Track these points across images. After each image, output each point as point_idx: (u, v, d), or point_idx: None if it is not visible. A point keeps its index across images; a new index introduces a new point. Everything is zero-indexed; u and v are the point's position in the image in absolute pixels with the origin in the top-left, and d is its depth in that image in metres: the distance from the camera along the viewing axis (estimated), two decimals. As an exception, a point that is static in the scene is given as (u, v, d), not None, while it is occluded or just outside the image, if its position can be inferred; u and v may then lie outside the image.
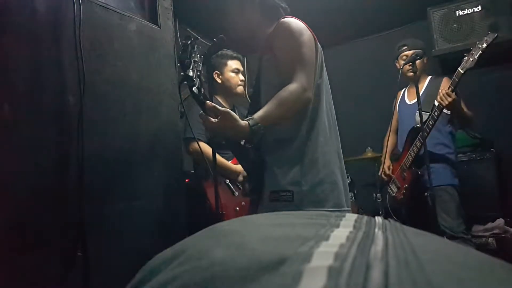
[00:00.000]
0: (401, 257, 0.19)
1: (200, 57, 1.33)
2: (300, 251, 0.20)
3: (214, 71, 2.41)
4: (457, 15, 2.91)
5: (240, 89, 2.48)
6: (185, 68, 1.28)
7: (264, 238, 0.23)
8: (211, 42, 1.94)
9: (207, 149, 2.17)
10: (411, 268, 0.18)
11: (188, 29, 3.50)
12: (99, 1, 1.39)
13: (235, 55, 2.47)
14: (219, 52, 2.41)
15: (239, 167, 2.33)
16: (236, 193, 2.33)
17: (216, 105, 1.25)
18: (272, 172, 1.34)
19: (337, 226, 0.25)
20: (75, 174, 1.21)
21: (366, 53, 3.85)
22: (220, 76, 2.44)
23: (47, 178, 1.16)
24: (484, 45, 1.98)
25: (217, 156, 2.20)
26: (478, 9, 2.85)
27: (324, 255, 0.19)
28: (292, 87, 1.26)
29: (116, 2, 1.49)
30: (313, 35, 1.38)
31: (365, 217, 0.28)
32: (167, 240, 1.49)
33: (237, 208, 2.30)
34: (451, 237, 2.14)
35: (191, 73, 1.27)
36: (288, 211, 1.07)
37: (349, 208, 1.37)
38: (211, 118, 1.24)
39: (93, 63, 1.33)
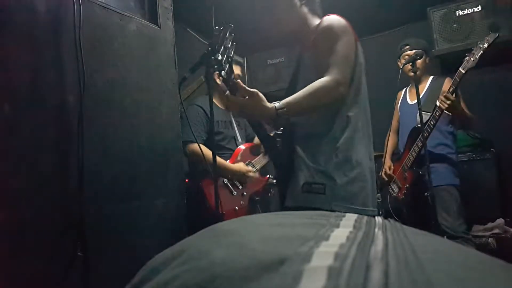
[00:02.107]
0: (401, 257, 0.19)
1: (232, 44, 1.33)
2: (300, 251, 0.20)
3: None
4: (457, 15, 2.91)
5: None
6: (214, 52, 1.30)
7: (264, 238, 0.23)
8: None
9: (205, 150, 2.16)
10: (411, 268, 0.18)
11: (188, 29, 3.50)
12: (99, 1, 1.39)
13: (238, 60, 2.47)
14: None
15: (237, 166, 2.33)
16: (235, 193, 2.32)
17: (246, 87, 1.28)
18: (305, 164, 1.35)
19: (337, 226, 0.25)
20: (75, 174, 1.21)
21: (366, 53, 3.85)
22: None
23: (47, 178, 1.16)
24: (486, 45, 1.98)
25: (214, 157, 2.18)
26: (478, 9, 2.84)
27: (324, 255, 0.19)
28: (326, 79, 1.27)
29: (116, 2, 1.49)
30: (354, 35, 1.39)
31: (365, 217, 0.28)
32: (167, 240, 1.50)
33: (236, 207, 2.30)
34: (452, 237, 2.14)
35: (220, 57, 1.29)
36: (319, 203, 1.12)
37: (375, 209, 1.36)
38: (239, 97, 1.27)
39: (93, 63, 1.32)
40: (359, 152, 1.33)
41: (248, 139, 2.63)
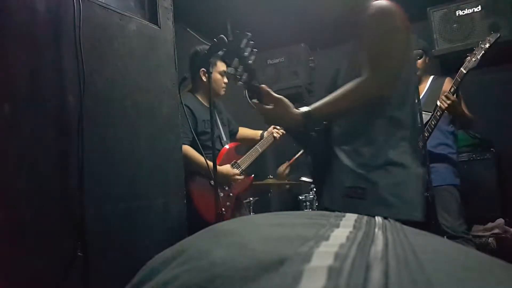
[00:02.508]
0: (401, 257, 0.19)
1: (252, 51, 1.29)
2: (300, 251, 0.20)
3: (201, 68, 2.34)
4: (457, 15, 2.91)
5: (223, 91, 2.45)
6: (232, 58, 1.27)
7: (264, 238, 0.23)
8: (211, 42, 1.95)
9: (191, 151, 2.14)
10: (411, 268, 0.18)
11: (188, 29, 3.50)
12: (99, 1, 1.39)
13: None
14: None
15: (224, 169, 2.29)
16: (221, 194, 2.29)
17: (270, 91, 1.24)
18: (343, 166, 1.24)
19: (337, 226, 0.25)
20: (75, 174, 1.21)
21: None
22: (206, 75, 2.41)
23: (47, 178, 1.16)
24: (487, 45, 1.98)
25: (199, 157, 2.14)
26: (478, 9, 2.84)
27: (324, 255, 0.19)
28: (362, 80, 1.14)
29: (116, 2, 1.49)
30: (406, 23, 1.20)
31: (365, 217, 0.28)
32: (167, 240, 1.50)
33: (223, 209, 2.28)
34: (452, 237, 2.14)
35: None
36: (359, 209, 0.94)
37: (422, 216, 1.19)
38: (265, 105, 1.23)
39: (93, 63, 1.32)
40: (404, 155, 1.19)
41: (230, 134, 2.61)
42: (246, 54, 1.24)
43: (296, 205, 3.19)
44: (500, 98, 3.09)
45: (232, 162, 2.41)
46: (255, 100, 1.28)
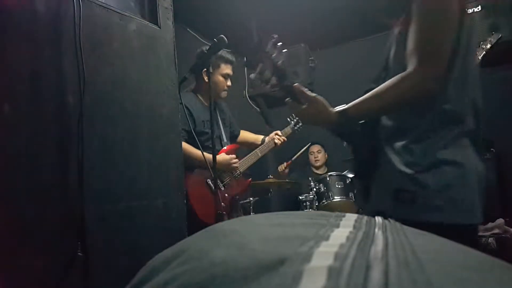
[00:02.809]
0: (401, 257, 0.19)
1: (280, 52, 1.25)
2: (300, 251, 0.20)
3: (204, 69, 2.29)
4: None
5: (224, 94, 2.45)
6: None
7: (264, 238, 0.23)
8: (211, 42, 1.95)
9: (187, 146, 2.12)
10: (411, 268, 0.18)
11: (188, 29, 3.50)
12: (99, 1, 1.39)
13: (230, 59, 2.41)
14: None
15: (221, 157, 2.26)
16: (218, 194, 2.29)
17: (304, 90, 1.19)
18: (390, 165, 1.13)
19: (337, 226, 0.25)
20: (75, 174, 1.21)
21: (366, 54, 3.85)
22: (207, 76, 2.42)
23: (47, 178, 1.16)
24: (488, 46, 1.98)
25: (195, 150, 2.12)
26: (478, 9, 2.84)
27: (324, 255, 0.19)
28: (407, 74, 1.03)
29: (116, 2, 1.49)
30: (462, 6, 1.07)
31: (365, 217, 0.28)
32: (167, 240, 1.50)
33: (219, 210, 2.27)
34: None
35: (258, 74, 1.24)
36: (408, 214, 0.95)
37: (478, 221, 1.08)
38: (300, 104, 1.19)
39: (93, 63, 1.33)
40: (460, 152, 1.06)
41: (231, 136, 2.61)
42: (273, 56, 1.20)
43: (296, 205, 3.19)
44: (500, 98, 3.09)
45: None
46: (289, 100, 1.24)
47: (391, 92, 1.06)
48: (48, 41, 1.21)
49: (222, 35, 1.88)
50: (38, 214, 1.12)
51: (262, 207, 3.07)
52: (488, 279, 0.19)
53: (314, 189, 3.16)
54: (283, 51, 1.20)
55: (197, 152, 2.08)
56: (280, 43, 1.20)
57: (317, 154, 3.77)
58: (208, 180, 2.25)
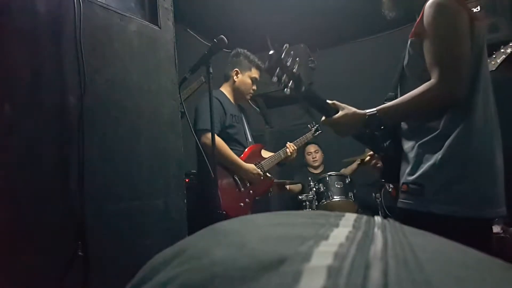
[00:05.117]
0: (400, 257, 0.19)
1: (294, 59, 1.29)
2: (300, 251, 0.20)
3: (235, 68, 2.45)
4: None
5: (249, 96, 2.54)
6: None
7: (264, 238, 0.23)
8: (211, 43, 1.95)
9: (220, 141, 2.19)
10: (410, 268, 0.18)
11: (188, 29, 3.50)
12: (99, 1, 1.39)
13: (260, 65, 2.50)
14: (249, 55, 2.46)
15: (251, 166, 2.34)
16: (242, 189, 2.34)
17: (335, 102, 1.27)
18: (407, 162, 1.22)
19: (337, 225, 0.25)
20: (75, 174, 1.21)
21: (366, 54, 3.85)
22: (239, 76, 2.47)
23: (47, 178, 1.16)
24: (509, 50, 1.96)
25: (229, 150, 2.23)
26: (477, 9, 2.84)
27: (323, 254, 0.19)
28: (431, 84, 1.10)
29: (117, 2, 1.49)
30: (472, 17, 1.15)
31: (365, 217, 0.28)
32: (167, 240, 1.50)
33: (242, 204, 2.31)
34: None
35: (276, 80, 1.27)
36: (417, 206, 1.05)
37: (493, 219, 1.14)
38: (334, 116, 1.25)
39: (94, 64, 1.33)
40: (474, 146, 1.11)
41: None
42: (288, 64, 1.26)
43: (296, 205, 3.19)
44: (500, 98, 3.09)
45: (255, 162, 2.45)
46: (324, 119, 1.31)
47: (416, 102, 1.14)
48: (48, 42, 1.21)
49: (222, 36, 1.88)
50: (38, 214, 1.12)
51: (262, 207, 3.07)
52: (487, 279, 0.19)
53: (314, 189, 3.16)
54: (296, 59, 1.25)
55: (231, 154, 2.25)
56: (293, 52, 1.24)
57: (315, 154, 3.77)
58: (235, 175, 2.34)
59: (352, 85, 3.73)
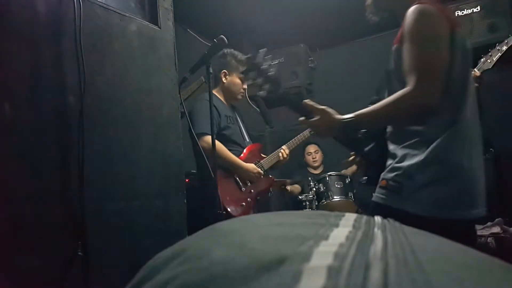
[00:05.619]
0: (401, 257, 0.19)
1: (271, 63, 1.35)
2: (300, 251, 0.20)
3: (222, 69, 2.43)
4: (456, 15, 2.91)
5: (240, 96, 2.51)
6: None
7: (264, 238, 0.23)
8: (211, 43, 1.95)
9: (218, 143, 2.19)
10: (411, 268, 0.18)
11: (188, 29, 3.50)
12: (99, 2, 1.39)
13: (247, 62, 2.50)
14: (237, 55, 2.44)
15: (250, 166, 2.34)
16: (244, 189, 2.34)
17: (314, 104, 1.28)
18: (390, 159, 1.24)
19: (337, 225, 0.25)
20: (75, 174, 1.21)
21: (366, 54, 3.85)
22: (227, 77, 2.46)
23: (47, 178, 1.16)
24: (504, 48, 1.97)
25: (228, 151, 2.23)
26: (477, 9, 2.84)
27: (323, 254, 0.19)
28: (406, 91, 1.10)
29: (117, 2, 1.49)
30: (452, 25, 1.15)
31: (365, 217, 0.28)
32: (167, 240, 1.50)
33: (243, 203, 2.32)
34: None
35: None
36: (394, 202, 1.07)
37: (470, 220, 1.14)
38: (312, 119, 1.27)
39: (93, 64, 1.33)
40: (455, 151, 1.13)
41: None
42: (265, 67, 1.29)
43: (296, 205, 3.19)
44: (500, 98, 3.09)
45: (255, 161, 2.46)
46: (302, 118, 1.32)
47: (391, 108, 1.14)
48: (48, 42, 1.21)
49: (222, 36, 1.88)
50: (38, 214, 1.12)
51: (262, 207, 3.07)
52: (487, 279, 0.19)
53: (314, 189, 3.16)
54: (273, 63, 1.29)
55: (231, 156, 2.27)
56: (270, 56, 1.28)
57: (315, 155, 3.77)
58: (236, 176, 2.34)
59: (352, 85, 3.73)
